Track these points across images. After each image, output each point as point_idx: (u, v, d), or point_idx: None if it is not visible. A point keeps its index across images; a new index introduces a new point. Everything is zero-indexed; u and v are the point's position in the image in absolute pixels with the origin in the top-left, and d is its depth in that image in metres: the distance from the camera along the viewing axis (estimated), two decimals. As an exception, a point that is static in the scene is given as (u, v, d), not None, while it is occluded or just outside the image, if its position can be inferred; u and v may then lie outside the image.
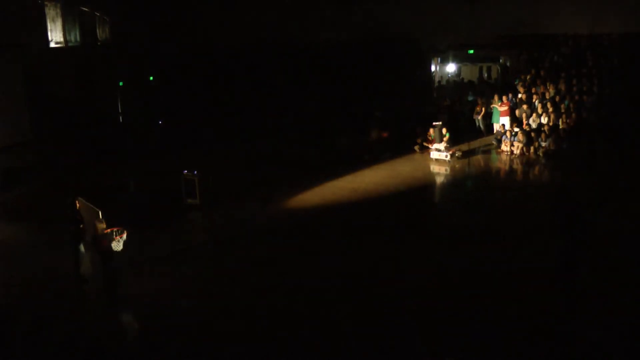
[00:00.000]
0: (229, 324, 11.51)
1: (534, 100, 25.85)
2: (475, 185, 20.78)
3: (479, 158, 23.65)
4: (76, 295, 13.15)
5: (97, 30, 29.58)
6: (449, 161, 22.99)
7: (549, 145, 23.31)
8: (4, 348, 9.99)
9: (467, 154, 23.11)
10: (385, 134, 26.40)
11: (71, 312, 12.29)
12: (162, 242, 15.68)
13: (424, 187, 20.62)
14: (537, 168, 22.65)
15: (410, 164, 23.24)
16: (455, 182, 21.25)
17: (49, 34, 25.60)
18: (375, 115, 27.99)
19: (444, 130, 25.05)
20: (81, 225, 13.28)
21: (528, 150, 23.53)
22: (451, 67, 34.00)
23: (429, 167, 22.62)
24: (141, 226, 16.01)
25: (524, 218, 16.94)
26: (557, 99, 25.51)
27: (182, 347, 10.71)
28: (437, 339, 10.76)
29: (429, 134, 24.38)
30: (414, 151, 24.53)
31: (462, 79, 33.47)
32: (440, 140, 23.55)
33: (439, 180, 21.67)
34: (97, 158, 24.30)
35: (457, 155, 23.35)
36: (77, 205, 13.41)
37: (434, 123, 23.87)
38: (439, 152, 23.44)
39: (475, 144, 24.93)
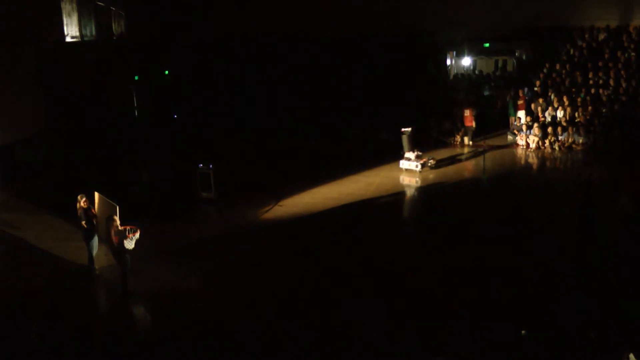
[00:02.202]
0: (237, 320, 11.51)
1: (550, 93, 25.67)
2: (493, 179, 20.38)
3: (494, 152, 23.36)
4: (89, 288, 13.23)
5: (113, 25, 29.68)
6: (420, 172, 20.88)
7: (565, 138, 23.16)
8: (16, 340, 10.08)
9: (481, 147, 22.74)
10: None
11: (84, 305, 12.38)
12: (176, 236, 15.73)
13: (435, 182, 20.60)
14: (555, 162, 22.45)
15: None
16: (472, 175, 21.05)
17: (65, 28, 25.71)
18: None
19: (458, 125, 24.98)
20: (94, 220, 13.34)
21: (544, 144, 23.38)
22: (467, 61, 33.78)
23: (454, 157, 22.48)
24: (156, 219, 16.10)
25: (543, 214, 16.85)
26: (574, 91, 25.32)
27: (190, 342, 10.73)
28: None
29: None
30: (432, 145, 24.39)
31: (481, 71, 33.31)
32: (409, 149, 21.44)
33: (449, 175, 21.46)
34: (112, 152, 24.43)
35: (430, 164, 21.35)
36: (88, 201, 13.46)
37: (402, 129, 21.75)
38: (408, 162, 21.23)
39: (491, 137, 24.77)
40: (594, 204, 13.00)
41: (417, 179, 20.53)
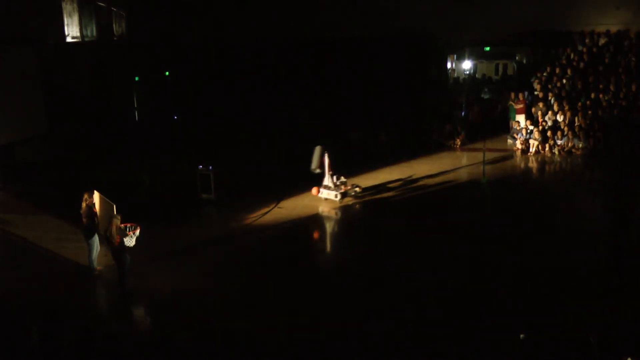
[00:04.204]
0: (237, 320, 11.48)
1: (550, 97, 25.71)
2: (491, 185, 20.25)
3: (495, 155, 23.25)
4: (89, 288, 13.22)
5: (113, 26, 29.70)
6: (339, 201, 17.80)
7: (565, 142, 23.18)
8: (16, 340, 10.09)
9: (481, 151, 22.62)
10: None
11: (84, 305, 12.35)
12: (176, 237, 15.70)
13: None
14: (555, 166, 22.46)
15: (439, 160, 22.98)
16: (471, 183, 20.95)
17: (66, 28, 25.74)
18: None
19: (459, 128, 25.04)
20: (95, 219, 13.33)
21: (544, 148, 23.41)
22: (467, 64, 33.84)
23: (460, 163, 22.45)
24: (156, 220, 16.09)
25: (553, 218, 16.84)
26: (574, 96, 25.36)
27: (190, 342, 10.74)
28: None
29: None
30: (431, 149, 24.42)
31: (484, 75, 33.42)
32: (318, 166, 18.26)
33: (454, 177, 21.39)
34: (112, 153, 24.42)
35: (353, 193, 18.37)
36: (93, 199, 13.46)
37: (315, 147, 18.39)
38: (328, 191, 18.08)
39: (490, 141, 24.75)
40: (627, 208, 13.05)
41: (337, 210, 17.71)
